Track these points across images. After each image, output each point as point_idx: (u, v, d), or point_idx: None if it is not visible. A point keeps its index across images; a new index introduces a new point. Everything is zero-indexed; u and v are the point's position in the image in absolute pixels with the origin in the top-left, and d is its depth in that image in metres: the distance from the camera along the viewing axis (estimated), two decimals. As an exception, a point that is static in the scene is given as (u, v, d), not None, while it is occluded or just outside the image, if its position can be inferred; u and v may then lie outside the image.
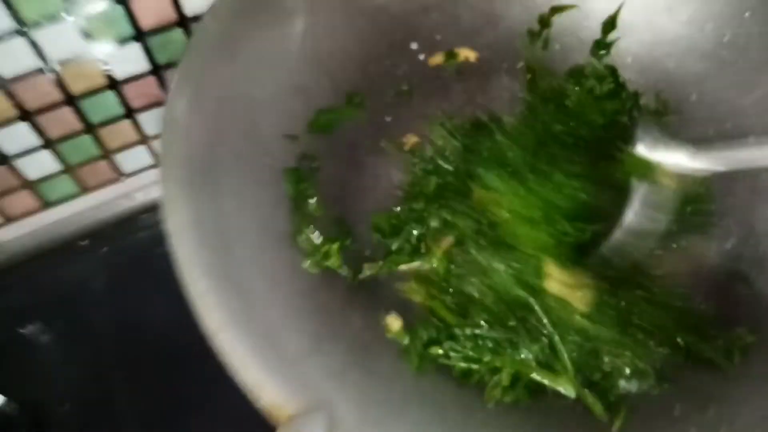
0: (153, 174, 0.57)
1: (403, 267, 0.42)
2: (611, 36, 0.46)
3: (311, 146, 0.41)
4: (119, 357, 0.51)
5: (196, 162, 0.33)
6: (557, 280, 0.39)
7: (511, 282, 0.39)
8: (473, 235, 0.42)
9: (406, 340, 0.38)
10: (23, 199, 0.53)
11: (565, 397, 0.37)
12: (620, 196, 0.40)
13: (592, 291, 0.40)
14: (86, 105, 0.49)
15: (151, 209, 0.56)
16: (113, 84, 0.48)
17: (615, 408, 0.36)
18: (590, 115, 0.46)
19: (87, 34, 0.44)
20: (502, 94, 0.48)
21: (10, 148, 0.49)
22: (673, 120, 0.46)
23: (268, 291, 0.33)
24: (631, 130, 0.39)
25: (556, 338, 0.38)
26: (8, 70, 0.43)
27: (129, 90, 0.49)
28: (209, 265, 0.30)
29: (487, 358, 0.38)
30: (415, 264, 0.42)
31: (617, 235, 0.39)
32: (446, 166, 0.46)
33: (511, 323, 0.39)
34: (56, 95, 0.47)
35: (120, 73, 0.48)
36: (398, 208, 0.44)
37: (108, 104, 0.49)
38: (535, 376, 0.38)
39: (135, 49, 0.47)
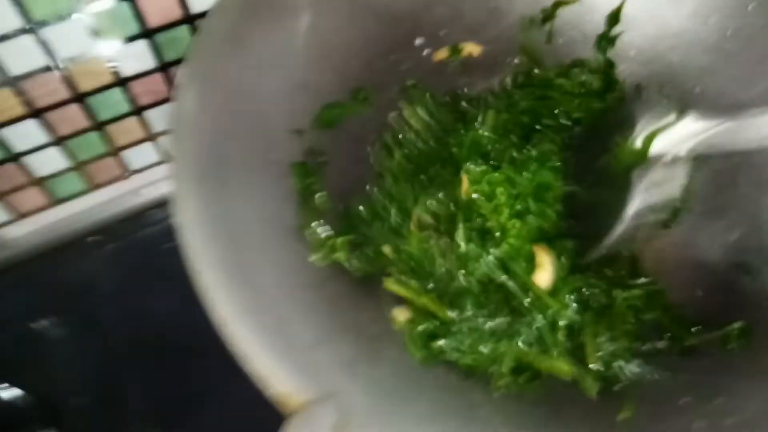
0: (160, 170, 0.57)
1: (386, 249, 0.41)
2: (615, 30, 0.46)
3: (317, 141, 0.42)
4: (129, 350, 0.51)
5: (205, 157, 0.33)
6: (547, 270, 0.40)
7: (494, 268, 0.40)
8: (448, 216, 0.42)
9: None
10: (33, 196, 0.54)
11: (571, 389, 0.38)
12: (605, 189, 0.40)
13: (579, 279, 0.40)
14: (94, 102, 0.49)
15: (159, 205, 0.57)
16: (120, 81, 0.49)
17: (621, 398, 0.37)
18: (573, 111, 0.46)
19: (95, 32, 0.44)
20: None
21: (19, 145, 0.49)
22: (676, 113, 0.46)
23: (277, 283, 0.34)
24: (625, 120, 0.40)
25: (545, 323, 0.38)
26: (17, 68, 0.44)
27: (136, 87, 0.50)
28: (219, 258, 0.31)
29: (486, 348, 0.38)
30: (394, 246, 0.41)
31: (620, 226, 0.40)
32: (416, 141, 0.46)
33: (499, 309, 0.39)
34: (64, 93, 0.47)
35: (127, 70, 0.48)
36: (374, 191, 0.44)
37: (115, 101, 0.50)
38: (533, 361, 0.38)
39: (142, 47, 0.47)
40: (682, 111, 0.43)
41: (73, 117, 0.49)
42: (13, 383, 0.49)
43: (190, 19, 0.47)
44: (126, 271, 0.54)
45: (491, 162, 0.43)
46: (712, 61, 0.44)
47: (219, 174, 0.34)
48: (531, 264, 0.40)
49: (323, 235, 0.40)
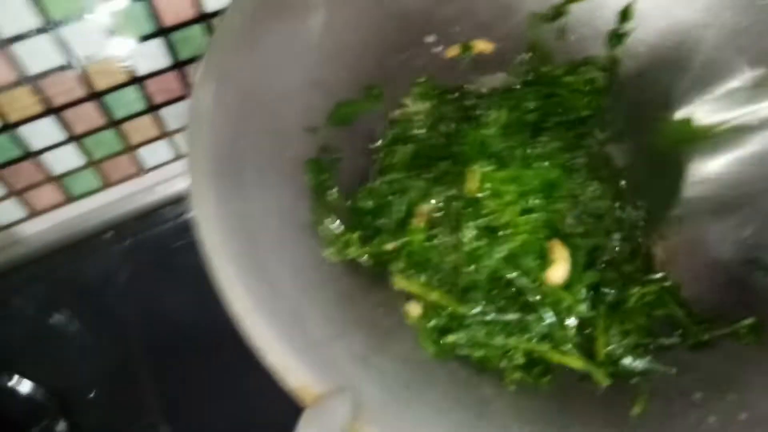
0: (174, 168, 0.58)
1: (388, 246, 0.41)
2: (627, 26, 0.46)
3: (331, 138, 0.42)
4: (143, 345, 0.52)
5: (221, 154, 0.34)
6: (563, 265, 0.40)
7: (503, 264, 0.40)
8: (454, 209, 0.42)
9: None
10: (48, 193, 0.54)
11: (583, 384, 0.38)
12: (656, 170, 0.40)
13: (595, 275, 0.40)
14: (109, 100, 0.50)
15: (173, 202, 0.57)
16: (135, 79, 0.49)
17: (633, 393, 0.37)
18: (581, 108, 0.46)
19: (110, 31, 0.45)
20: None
21: (36, 143, 0.50)
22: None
23: (293, 278, 0.34)
24: (663, 95, 0.39)
25: (555, 318, 0.39)
26: (35, 67, 0.44)
27: (150, 85, 0.50)
28: (236, 253, 0.31)
29: (499, 341, 0.39)
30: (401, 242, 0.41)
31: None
32: (424, 136, 0.46)
33: (509, 304, 0.40)
34: (80, 91, 0.48)
35: (142, 68, 0.49)
36: (377, 183, 0.43)
37: (130, 99, 0.50)
38: (546, 354, 0.38)
39: (156, 45, 0.48)
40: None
41: (88, 115, 0.50)
42: (27, 377, 0.50)
43: (204, 18, 0.47)
44: (140, 267, 0.55)
45: (499, 160, 0.43)
46: (724, 57, 0.44)
47: (235, 171, 0.34)
48: (542, 260, 0.40)
49: (336, 231, 0.40)
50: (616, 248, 0.43)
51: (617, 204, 0.44)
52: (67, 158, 0.52)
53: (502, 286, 0.40)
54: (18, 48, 0.43)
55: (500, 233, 0.40)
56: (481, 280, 0.40)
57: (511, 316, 0.39)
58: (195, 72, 0.36)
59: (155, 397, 0.50)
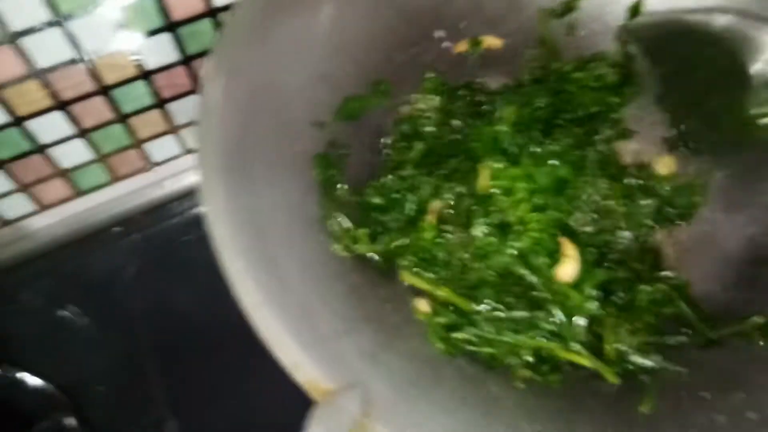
0: (182, 163, 0.58)
1: (401, 242, 0.41)
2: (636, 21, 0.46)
3: (339, 133, 0.42)
4: (151, 340, 0.52)
5: (231, 148, 0.34)
6: (573, 263, 0.40)
7: (513, 261, 0.40)
8: (465, 206, 0.42)
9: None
10: (57, 187, 0.54)
11: (592, 382, 0.38)
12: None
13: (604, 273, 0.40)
14: (118, 95, 0.50)
15: (181, 197, 0.57)
16: (144, 74, 0.49)
17: (641, 391, 0.37)
18: (590, 105, 0.46)
19: (120, 25, 0.45)
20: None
21: (45, 137, 0.50)
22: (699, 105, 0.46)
23: (302, 273, 0.34)
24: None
25: (564, 316, 0.39)
26: (44, 61, 0.44)
27: (159, 80, 0.50)
28: (245, 247, 0.31)
29: (507, 338, 0.38)
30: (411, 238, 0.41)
31: None
32: (434, 132, 0.46)
33: (517, 301, 0.40)
34: (89, 85, 0.48)
35: (151, 63, 0.49)
36: (388, 178, 0.43)
37: (139, 94, 0.50)
38: (554, 352, 0.38)
39: (165, 40, 0.47)
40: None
41: (97, 109, 0.50)
42: (35, 371, 0.50)
43: (213, 13, 0.47)
44: (148, 262, 0.55)
45: (510, 156, 0.43)
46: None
47: (244, 165, 0.34)
48: (551, 257, 0.40)
49: (344, 226, 0.40)
50: (626, 246, 0.43)
51: (626, 202, 0.44)
52: (75, 152, 0.52)
53: (511, 283, 0.40)
54: (27, 41, 0.43)
55: (511, 230, 0.40)
56: (490, 277, 0.40)
57: (520, 314, 0.39)
58: (204, 66, 0.36)
59: (162, 391, 0.50)
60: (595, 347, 0.39)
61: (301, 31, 0.40)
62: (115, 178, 0.56)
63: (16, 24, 0.41)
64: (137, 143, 0.54)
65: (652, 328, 0.40)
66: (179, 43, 0.48)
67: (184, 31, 0.47)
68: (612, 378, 0.37)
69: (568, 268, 0.39)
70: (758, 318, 0.38)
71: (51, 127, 0.49)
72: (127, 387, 0.51)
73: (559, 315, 0.39)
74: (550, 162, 0.42)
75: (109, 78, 0.48)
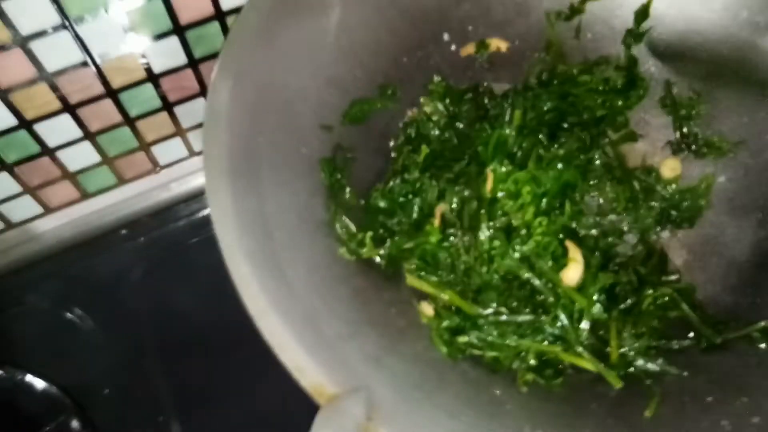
0: (188, 165, 0.58)
1: (407, 245, 0.41)
2: (644, 25, 0.46)
3: (345, 136, 0.42)
4: (156, 342, 0.52)
5: (237, 151, 0.34)
6: (578, 267, 0.40)
7: (519, 265, 0.40)
8: (470, 210, 0.41)
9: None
10: (64, 190, 0.55)
11: (596, 386, 0.38)
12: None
13: (609, 277, 0.40)
14: (125, 98, 0.50)
15: (187, 200, 0.58)
16: (151, 77, 0.49)
17: (646, 395, 0.37)
18: (596, 108, 0.46)
19: (128, 29, 0.45)
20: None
21: (52, 140, 0.50)
22: (706, 108, 0.46)
23: (307, 276, 0.34)
24: None
25: (568, 320, 0.38)
26: (53, 64, 0.45)
27: (166, 83, 0.50)
28: (252, 250, 0.31)
29: (511, 342, 0.38)
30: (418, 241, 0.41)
31: None
32: (441, 136, 0.46)
33: (522, 305, 0.39)
34: (97, 88, 0.48)
35: (158, 66, 0.49)
36: (392, 183, 0.43)
37: (146, 97, 0.51)
38: (558, 355, 0.38)
39: (173, 43, 0.48)
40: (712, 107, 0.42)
41: (104, 112, 0.50)
42: (41, 373, 0.50)
43: (221, 16, 0.47)
44: (154, 264, 0.55)
45: (516, 160, 0.43)
46: (742, 56, 0.44)
47: (251, 168, 0.34)
48: (557, 261, 0.40)
49: (351, 230, 0.40)
50: (631, 250, 0.43)
51: (632, 205, 0.44)
52: (82, 155, 0.53)
53: (516, 286, 0.40)
54: (36, 45, 0.43)
55: (516, 234, 0.40)
56: (495, 281, 0.40)
57: (524, 317, 0.39)
58: (212, 70, 0.36)
59: (168, 393, 0.50)
60: (599, 351, 0.38)
61: (309, 34, 0.40)
62: (122, 181, 0.57)
63: (26, 28, 0.42)
64: (144, 146, 0.55)
65: (656, 332, 0.39)
66: (186, 46, 0.48)
67: (191, 34, 0.48)
68: (615, 382, 0.37)
69: (573, 272, 0.39)
70: (763, 322, 0.37)
71: (59, 129, 0.49)
72: (131, 389, 0.51)
73: (563, 319, 0.38)
74: (556, 166, 0.42)
75: (117, 81, 0.48)
